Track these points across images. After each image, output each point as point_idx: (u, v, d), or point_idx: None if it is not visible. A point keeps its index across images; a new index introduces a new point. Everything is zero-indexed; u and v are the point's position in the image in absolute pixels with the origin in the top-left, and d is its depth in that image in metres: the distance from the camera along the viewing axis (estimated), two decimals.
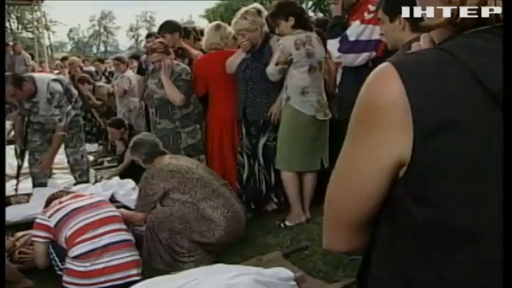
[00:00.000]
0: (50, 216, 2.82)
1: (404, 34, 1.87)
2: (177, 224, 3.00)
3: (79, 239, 2.72)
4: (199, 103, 4.02)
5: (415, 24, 1.75)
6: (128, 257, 2.78)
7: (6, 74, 4.04)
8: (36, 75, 4.24)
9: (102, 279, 2.67)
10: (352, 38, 2.92)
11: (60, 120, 4.20)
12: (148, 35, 5.69)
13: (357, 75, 2.96)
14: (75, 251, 2.70)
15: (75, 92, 4.56)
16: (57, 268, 2.84)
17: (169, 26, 4.49)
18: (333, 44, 3.05)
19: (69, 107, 4.27)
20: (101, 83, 7.09)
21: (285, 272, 2.61)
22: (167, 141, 3.84)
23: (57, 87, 4.14)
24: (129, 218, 3.12)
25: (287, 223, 3.68)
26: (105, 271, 2.68)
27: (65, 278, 2.72)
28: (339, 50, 3.00)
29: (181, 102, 3.84)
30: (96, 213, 2.86)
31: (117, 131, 5.09)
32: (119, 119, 5.45)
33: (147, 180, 3.08)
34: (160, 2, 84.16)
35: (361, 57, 2.96)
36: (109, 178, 4.59)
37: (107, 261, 2.70)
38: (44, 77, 4.24)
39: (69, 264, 2.71)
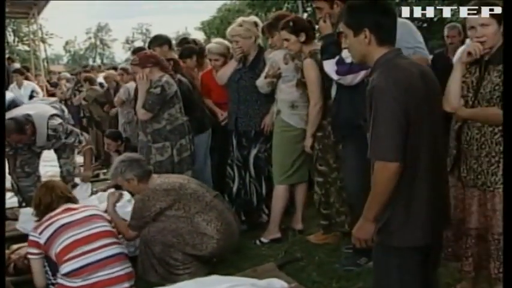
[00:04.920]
0: (40, 233, 2.78)
1: (371, 48, 1.83)
2: (170, 237, 3.01)
3: (68, 256, 2.69)
4: (176, 120, 3.78)
5: (382, 37, 1.82)
6: (120, 270, 2.76)
7: (8, 120, 3.88)
8: (34, 114, 4.06)
9: None
10: (348, 60, 2.85)
11: (79, 142, 4.29)
12: (133, 51, 5.75)
13: (351, 92, 2.97)
14: (65, 268, 2.67)
15: (67, 116, 4.62)
16: (49, 282, 2.84)
17: (157, 40, 4.61)
18: (330, 66, 3.02)
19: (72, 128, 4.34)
20: (97, 87, 7.21)
21: (279, 283, 2.63)
22: (143, 154, 3.80)
23: (57, 121, 4.14)
24: (122, 234, 3.13)
25: (263, 239, 3.67)
26: (97, 285, 2.67)
27: None
28: (337, 73, 2.99)
29: (142, 117, 3.76)
30: (87, 228, 2.79)
31: (114, 143, 5.09)
32: (116, 131, 5.47)
33: (143, 202, 3.05)
34: (156, 15, 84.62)
35: (360, 76, 2.94)
36: (105, 190, 4.58)
37: (99, 276, 2.68)
38: (42, 115, 4.11)
39: (60, 280, 2.70)
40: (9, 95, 7.84)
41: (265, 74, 3.59)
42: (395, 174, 1.71)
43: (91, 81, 7.33)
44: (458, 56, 2.35)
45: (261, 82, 3.61)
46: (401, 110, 1.70)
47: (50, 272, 2.83)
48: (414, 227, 1.79)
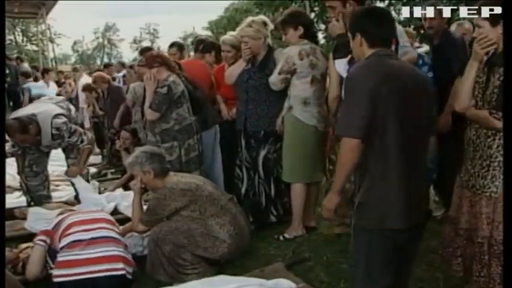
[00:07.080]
0: (51, 223, 3.05)
1: (363, 49, 2.08)
2: (182, 238, 3.00)
3: (68, 232, 2.88)
4: (184, 120, 3.80)
5: (371, 40, 2.05)
6: (112, 251, 2.82)
7: (12, 120, 3.97)
8: (38, 114, 4.07)
9: (86, 269, 2.71)
10: None
11: (82, 141, 4.27)
12: (141, 51, 5.75)
13: None
14: (63, 242, 2.83)
15: (74, 115, 4.64)
16: (49, 268, 2.92)
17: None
18: (342, 65, 3.04)
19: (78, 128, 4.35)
20: None
21: (287, 283, 2.63)
22: None
23: (61, 120, 4.14)
24: (131, 229, 3.26)
25: (286, 236, 3.67)
26: (90, 261, 2.74)
27: (54, 272, 2.77)
28: (348, 72, 3.01)
29: (150, 117, 3.76)
30: (88, 214, 3.10)
31: (132, 138, 5.10)
32: (134, 127, 5.51)
33: (158, 201, 3.05)
34: (163, 14, 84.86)
35: None
36: (113, 190, 4.59)
37: (90, 253, 2.77)
38: (46, 115, 4.11)
39: (58, 258, 2.80)
40: (39, 90, 8.28)
41: (279, 70, 3.55)
42: (357, 149, 1.87)
43: (94, 90, 7.03)
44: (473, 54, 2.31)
45: (275, 78, 3.58)
46: (367, 95, 1.83)
47: (50, 261, 2.92)
48: (382, 211, 1.92)
